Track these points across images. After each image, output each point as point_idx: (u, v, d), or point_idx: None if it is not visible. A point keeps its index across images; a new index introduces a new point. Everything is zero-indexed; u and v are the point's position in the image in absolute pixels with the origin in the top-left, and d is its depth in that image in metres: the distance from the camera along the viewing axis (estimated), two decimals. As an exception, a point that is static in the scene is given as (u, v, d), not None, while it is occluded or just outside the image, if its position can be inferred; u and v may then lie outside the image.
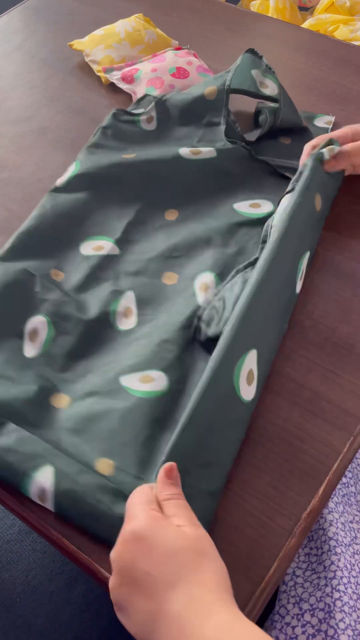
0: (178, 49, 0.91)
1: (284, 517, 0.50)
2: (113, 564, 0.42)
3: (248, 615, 0.45)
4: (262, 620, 0.60)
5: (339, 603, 0.56)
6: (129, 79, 0.86)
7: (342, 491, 0.68)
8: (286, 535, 0.49)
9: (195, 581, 0.39)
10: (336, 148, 0.68)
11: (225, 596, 0.39)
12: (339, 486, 0.67)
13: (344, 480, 0.69)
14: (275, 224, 0.62)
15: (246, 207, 0.71)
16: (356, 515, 0.66)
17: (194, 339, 0.59)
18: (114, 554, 0.42)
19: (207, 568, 0.40)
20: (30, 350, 0.58)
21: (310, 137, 0.74)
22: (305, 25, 1.71)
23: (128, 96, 0.87)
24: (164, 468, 0.46)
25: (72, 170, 0.73)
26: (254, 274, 0.57)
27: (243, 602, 0.46)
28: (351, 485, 0.69)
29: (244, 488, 0.51)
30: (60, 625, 1.00)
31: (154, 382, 0.55)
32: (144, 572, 0.40)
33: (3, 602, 1.04)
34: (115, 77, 0.88)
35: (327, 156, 0.68)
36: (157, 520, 0.42)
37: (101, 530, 0.48)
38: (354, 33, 1.61)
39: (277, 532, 0.49)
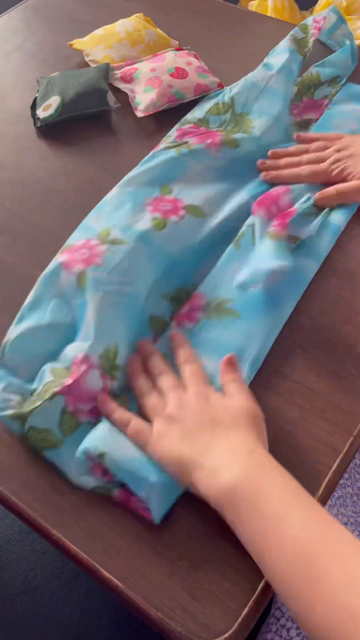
0: (179, 49, 0.91)
1: (284, 517, 0.50)
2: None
3: (248, 616, 0.46)
4: (259, 624, 0.60)
5: None
6: (127, 79, 0.86)
7: (338, 492, 0.68)
8: (286, 535, 0.49)
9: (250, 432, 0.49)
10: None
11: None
12: (335, 487, 0.67)
13: (340, 481, 0.69)
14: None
15: None
16: (351, 516, 0.66)
17: None
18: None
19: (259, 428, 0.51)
20: None
21: None
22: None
23: (128, 95, 0.87)
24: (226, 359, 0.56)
25: None
26: None
27: (244, 603, 0.46)
28: (348, 486, 0.69)
29: (244, 488, 0.51)
30: (60, 625, 1.00)
31: None
32: (209, 417, 0.50)
33: (3, 602, 1.04)
34: (115, 76, 0.88)
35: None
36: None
37: None
38: (353, 32, 1.61)
39: (277, 532, 0.49)
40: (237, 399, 0.52)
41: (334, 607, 0.35)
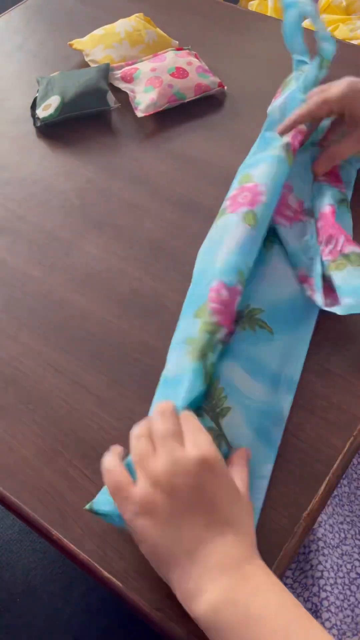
0: (179, 49, 0.91)
1: (284, 517, 0.50)
2: (165, 475, 0.42)
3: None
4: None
5: (325, 603, 0.57)
6: (128, 78, 0.86)
7: (334, 491, 0.68)
8: (286, 535, 0.49)
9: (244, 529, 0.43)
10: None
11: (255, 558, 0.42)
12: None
13: None
14: None
15: None
16: (347, 515, 0.66)
17: None
18: (169, 468, 0.42)
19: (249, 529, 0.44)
20: None
21: None
22: (304, 25, 1.71)
23: (128, 95, 0.87)
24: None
25: None
26: None
27: (243, 602, 0.46)
28: (344, 486, 0.69)
29: (244, 488, 0.51)
30: (60, 625, 1.00)
31: None
32: (208, 498, 0.41)
33: (3, 602, 1.04)
34: (115, 76, 0.88)
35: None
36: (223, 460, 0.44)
37: None
38: (354, 32, 1.61)
39: (277, 532, 0.49)
40: (240, 487, 0.45)
41: None
